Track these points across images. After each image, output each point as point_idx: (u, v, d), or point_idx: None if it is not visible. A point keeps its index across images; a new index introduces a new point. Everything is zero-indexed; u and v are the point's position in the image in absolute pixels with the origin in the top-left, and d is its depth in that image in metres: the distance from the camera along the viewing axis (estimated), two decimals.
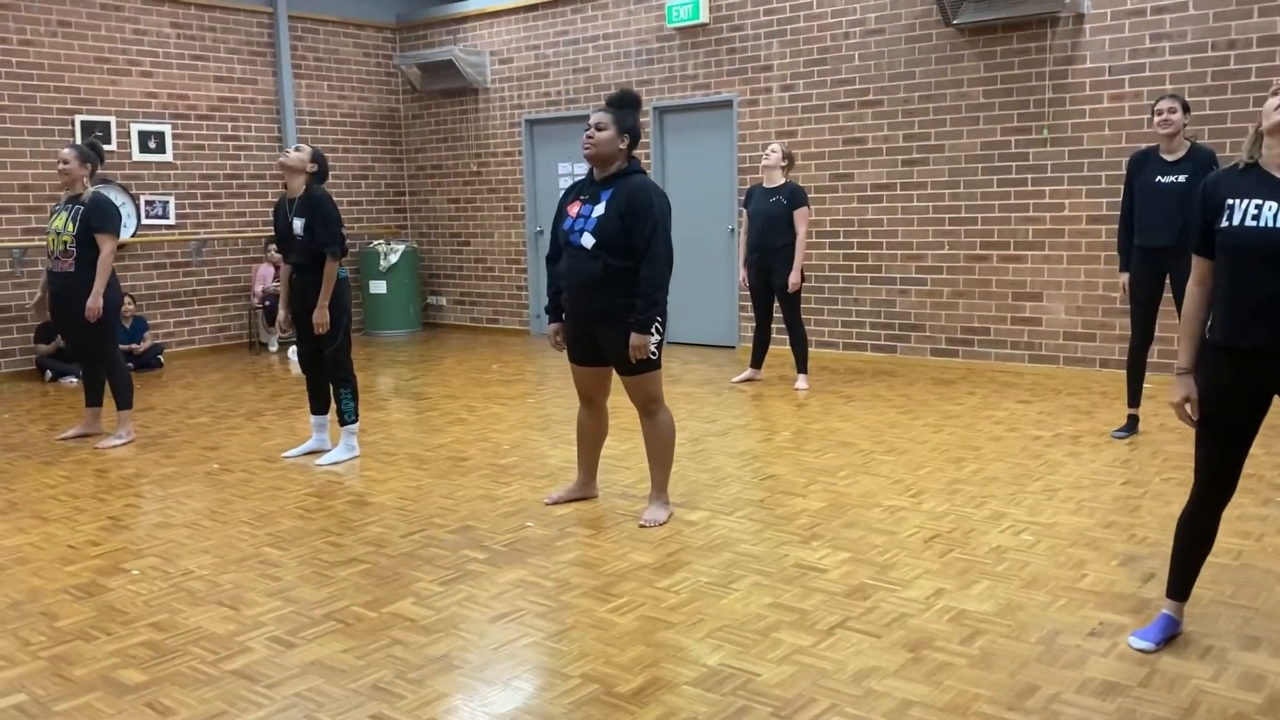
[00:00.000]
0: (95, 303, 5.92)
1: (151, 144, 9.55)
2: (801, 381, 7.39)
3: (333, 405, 5.76)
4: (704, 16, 9.04)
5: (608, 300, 4.25)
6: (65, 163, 6.02)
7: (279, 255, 5.66)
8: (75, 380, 8.42)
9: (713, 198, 9.32)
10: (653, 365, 4.34)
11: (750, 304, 7.69)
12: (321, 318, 5.42)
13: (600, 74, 9.87)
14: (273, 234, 5.63)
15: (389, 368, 8.93)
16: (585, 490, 4.76)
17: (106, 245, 5.98)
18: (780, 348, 7.89)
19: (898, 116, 8.18)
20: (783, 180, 7.33)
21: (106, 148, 9.04)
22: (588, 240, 4.25)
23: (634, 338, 4.23)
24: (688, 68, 9.29)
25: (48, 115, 8.89)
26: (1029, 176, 7.64)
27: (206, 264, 10.02)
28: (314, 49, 10.74)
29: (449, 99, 11.13)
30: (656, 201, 4.26)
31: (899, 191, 8.25)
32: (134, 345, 8.84)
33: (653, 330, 4.25)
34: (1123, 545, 3.99)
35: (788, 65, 8.70)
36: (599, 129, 4.29)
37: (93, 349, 6.14)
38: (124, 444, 6.14)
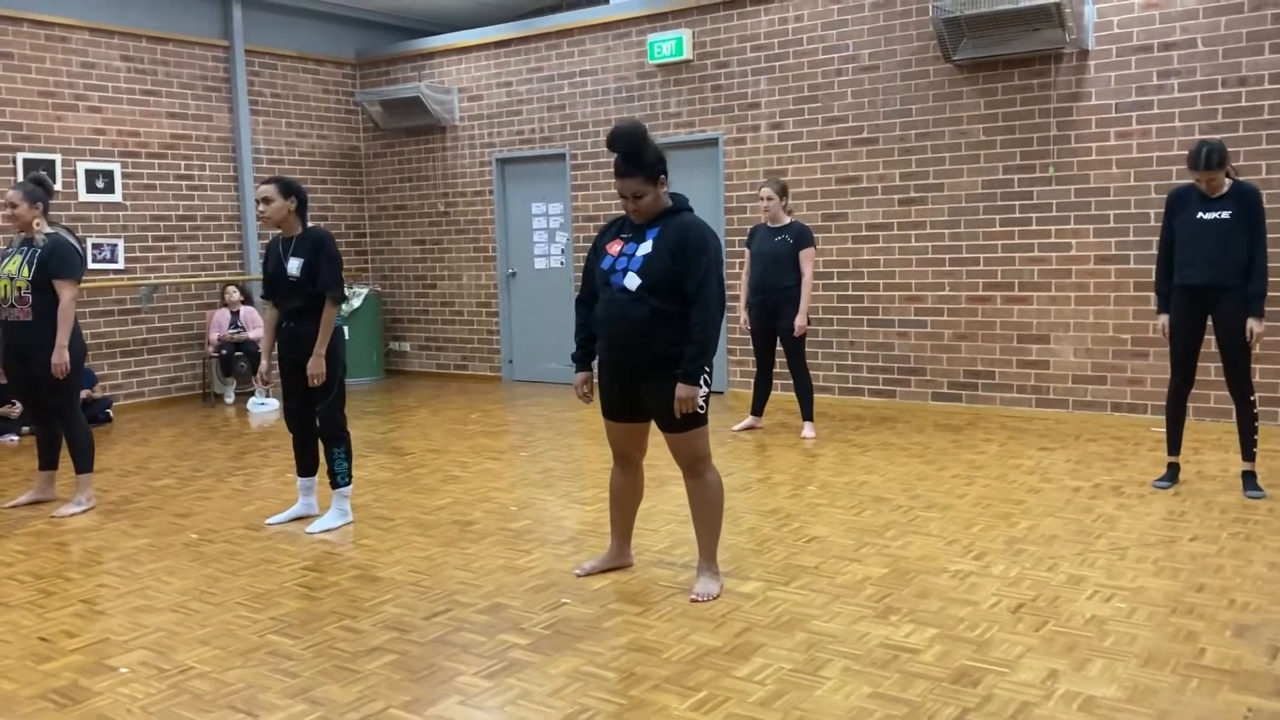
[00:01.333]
0: (60, 357, 5.35)
1: (99, 183, 8.94)
2: (808, 429, 7.04)
3: (321, 466, 5.26)
4: (688, 53, 8.76)
5: (652, 348, 3.85)
6: (13, 205, 5.47)
7: (266, 298, 5.17)
8: (15, 439, 7.77)
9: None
10: (701, 420, 3.94)
11: (751, 347, 7.32)
12: (318, 368, 4.92)
13: (577, 111, 9.52)
14: (264, 279, 5.14)
15: (359, 418, 8.38)
16: (620, 559, 4.32)
17: (67, 292, 5.43)
18: (782, 394, 7.54)
19: (894, 154, 7.94)
20: (787, 219, 7.02)
21: None
22: (632, 281, 3.85)
23: (682, 389, 3.82)
24: (670, 105, 8.98)
25: None
26: (1033, 215, 7.44)
27: (157, 310, 9.39)
28: (271, 84, 10.24)
29: (414, 137, 10.68)
30: (711, 241, 3.88)
31: (896, 231, 7.99)
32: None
33: (702, 382, 3.86)
34: (1227, 612, 3.67)
35: (776, 102, 8.43)
36: (638, 197, 3.89)
37: (51, 405, 5.56)
38: (84, 511, 5.55)
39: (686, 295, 3.83)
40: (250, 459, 6.86)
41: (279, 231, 5.13)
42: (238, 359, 9.32)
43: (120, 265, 9.11)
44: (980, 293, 7.70)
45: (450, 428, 7.85)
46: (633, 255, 3.90)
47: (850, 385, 8.29)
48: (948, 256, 7.80)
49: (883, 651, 3.40)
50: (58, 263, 5.42)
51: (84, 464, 5.61)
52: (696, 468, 4.00)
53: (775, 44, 8.39)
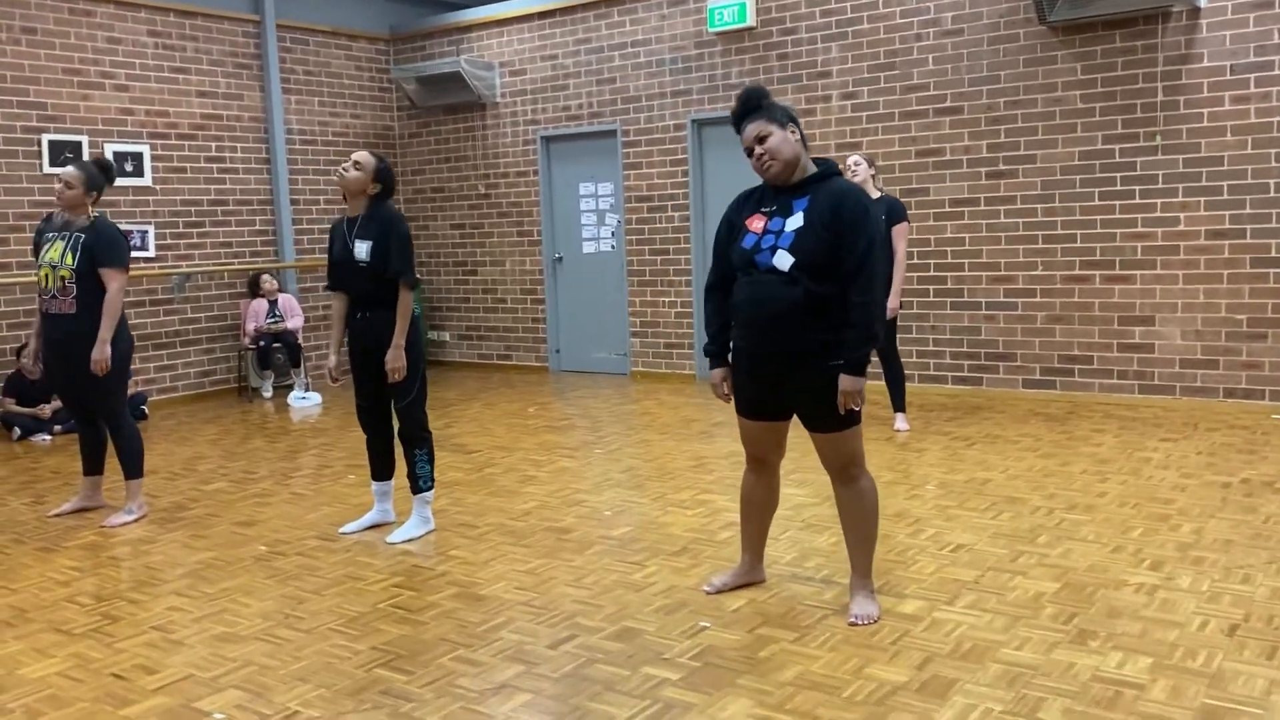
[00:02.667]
0: (102, 352, 4.87)
1: (128, 166, 8.45)
2: (901, 421, 6.55)
3: (393, 468, 4.79)
4: (751, 19, 8.24)
5: (806, 335, 3.36)
6: (69, 186, 4.98)
7: (332, 287, 4.67)
8: (47, 438, 7.31)
9: None
10: (856, 419, 3.45)
11: None
12: (397, 360, 4.44)
13: (629, 84, 9.01)
14: (329, 265, 4.65)
15: None
16: (752, 574, 3.84)
17: (115, 281, 4.94)
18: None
19: (980, 124, 7.42)
20: (876, 193, 6.51)
21: None
22: (783, 260, 3.35)
23: (845, 381, 3.34)
24: (731, 76, 8.46)
25: (10, 134, 7.76)
26: (1136, 188, 6.92)
27: (190, 301, 8.91)
28: (303, 61, 9.73)
29: (452, 115, 10.17)
30: (871, 209, 3.38)
31: (983, 207, 7.48)
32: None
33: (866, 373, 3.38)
34: None
35: (849, 71, 7.91)
36: (762, 139, 3.40)
37: (97, 407, 5.08)
38: (135, 520, 5.08)
39: (844, 273, 3.34)
40: (304, 459, 6.38)
41: (342, 213, 4.65)
42: (275, 350, 8.84)
43: (151, 253, 8.62)
44: (1077, 272, 7.19)
45: (510, 422, 7.36)
46: (781, 231, 3.40)
47: (932, 372, 7.80)
48: (1041, 233, 7.29)
49: (1101, 688, 2.92)
50: (105, 249, 4.94)
51: (134, 469, 5.14)
52: (850, 472, 3.52)
53: (848, 8, 7.86)
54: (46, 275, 4.96)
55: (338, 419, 7.76)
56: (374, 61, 10.35)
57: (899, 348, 6.62)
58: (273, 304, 8.94)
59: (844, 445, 3.48)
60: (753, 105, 3.49)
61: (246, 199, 9.30)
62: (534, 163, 9.69)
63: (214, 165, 9.06)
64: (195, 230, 8.88)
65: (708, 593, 3.77)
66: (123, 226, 8.25)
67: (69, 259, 4.92)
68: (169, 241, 8.73)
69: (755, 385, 3.54)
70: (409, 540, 4.58)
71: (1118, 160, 6.96)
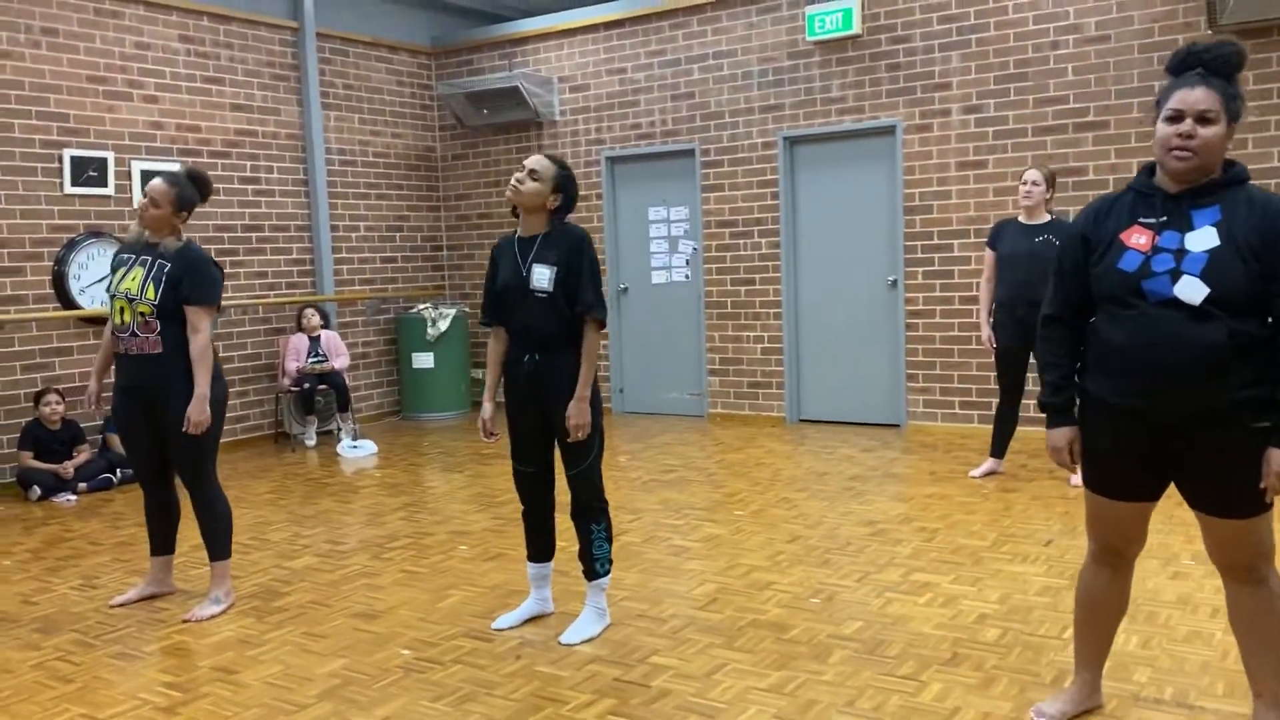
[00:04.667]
0: (202, 410, 3.94)
1: (142, 194, 7.46)
2: (1076, 476, 5.71)
3: (554, 547, 3.88)
4: (856, 27, 7.47)
5: (1225, 390, 2.51)
6: (155, 204, 4.08)
7: (489, 324, 3.78)
8: (73, 499, 6.30)
9: (866, 244, 7.68)
10: (1271, 502, 2.61)
11: (996, 371, 6.00)
12: (582, 416, 3.55)
13: (709, 100, 8.20)
14: (487, 287, 3.76)
15: (484, 465, 6.96)
16: (1093, 698, 2.97)
17: (204, 322, 4.03)
18: (1037, 430, 6.20)
19: (1129, 141, 6.68)
20: (1047, 216, 5.73)
21: (101, 191, 7.05)
22: (1192, 290, 2.51)
23: (1277, 456, 2.50)
24: (831, 89, 7.68)
25: (28, 148, 6.79)
26: None
27: (221, 337, 7.93)
28: (343, 74, 8.84)
29: (503, 135, 9.31)
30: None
31: None
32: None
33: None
34: None
35: (972, 83, 7.16)
36: (1206, 119, 2.52)
37: (184, 471, 4.13)
38: (224, 610, 4.12)
39: (1274, 309, 2.51)
40: (391, 524, 5.43)
41: (510, 231, 3.77)
42: (319, 393, 7.88)
43: None
44: None
45: (607, 474, 6.44)
46: (1180, 250, 2.56)
47: (989, 412, 6.97)
48: None
49: None
50: (194, 282, 4.02)
51: (222, 548, 4.19)
52: (1259, 569, 2.67)
53: (971, 14, 7.12)
54: (122, 308, 4.03)
55: (404, 471, 6.81)
56: (415, 76, 9.48)
57: None
58: (315, 341, 7.99)
59: (1254, 534, 2.63)
60: (1219, 68, 2.56)
61: (283, 224, 8.36)
62: (597, 185, 8.84)
63: (249, 187, 8.12)
64: (229, 259, 7.91)
65: None
66: None
67: (150, 291, 3.99)
68: None
69: (1129, 455, 2.69)
70: (587, 640, 3.66)
71: None
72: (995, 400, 7.07)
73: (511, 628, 3.82)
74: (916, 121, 7.38)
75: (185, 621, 4.01)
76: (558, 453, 3.72)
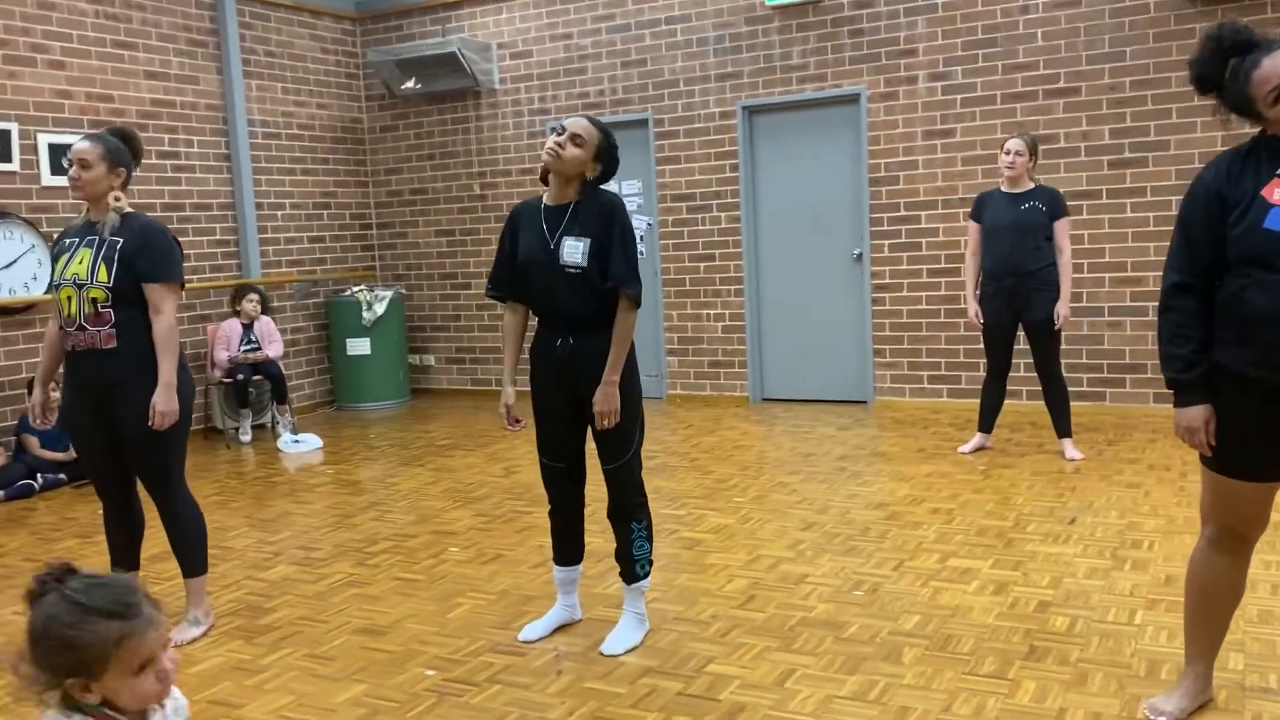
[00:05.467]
0: (168, 400, 3.47)
1: (65, 163, 6.79)
2: (1071, 448, 5.62)
3: (583, 548, 3.54)
4: None
5: None
6: (84, 165, 3.56)
7: (499, 297, 3.41)
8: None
9: (830, 217, 7.47)
10: None
11: (984, 347, 5.84)
12: (611, 403, 3.21)
13: (663, 67, 7.86)
14: (501, 255, 3.38)
15: (448, 456, 6.54)
16: (1206, 692, 2.77)
17: (168, 303, 3.55)
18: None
19: (1101, 107, 6.59)
20: (1030, 184, 5.58)
21: (5, 167, 6.39)
22: None
23: None
24: (792, 56, 7.42)
25: None
26: None
27: None
28: (264, 40, 8.22)
29: (436, 105, 8.81)
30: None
31: (1105, 200, 6.65)
32: (69, 453, 6.11)
33: None
34: None
35: (939, 49, 6.98)
36: None
37: (149, 477, 3.64)
38: (205, 632, 3.66)
39: None
40: (364, 525, 4.99)
41: (533, 196, 3.39)
42: (252, 384, 7.32)
43: None
44: None
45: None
46: None
47: (1038, 388, 6.89)
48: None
49: None
50: (152, 257, 3.54)
51: (197, 562, 3.72)
52: None
53: None
54: (69, 297, 3.51)
55: (358, 466, 6.34)
56: (340, 43, 8.90)
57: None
58: (247, 328, 7.41)
59: None
60: None
61: (205, 203, 7.74)
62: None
63: (167, 162, 7.48)
64: None
65: None
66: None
67: (101, 273, 3.49)
68: None
69: (1271, 432, 2.48)
70: (631, 649, 3.34)
71: None
72: (969, 375, 6.96)
73: (541, 638, 3.47)
74: (881, 90, 7.17)
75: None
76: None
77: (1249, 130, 2.57)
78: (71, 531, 5.14)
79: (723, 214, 7.76)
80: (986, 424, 5.89)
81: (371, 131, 9.13)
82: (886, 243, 7.27)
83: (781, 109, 7.55)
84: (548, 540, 4.14)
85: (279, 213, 8.31)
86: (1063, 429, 5.66)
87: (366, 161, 9.15)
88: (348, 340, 8.50)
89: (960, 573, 3.89)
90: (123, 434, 3.54)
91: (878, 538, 4.36)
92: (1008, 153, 5.54)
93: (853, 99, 7.28)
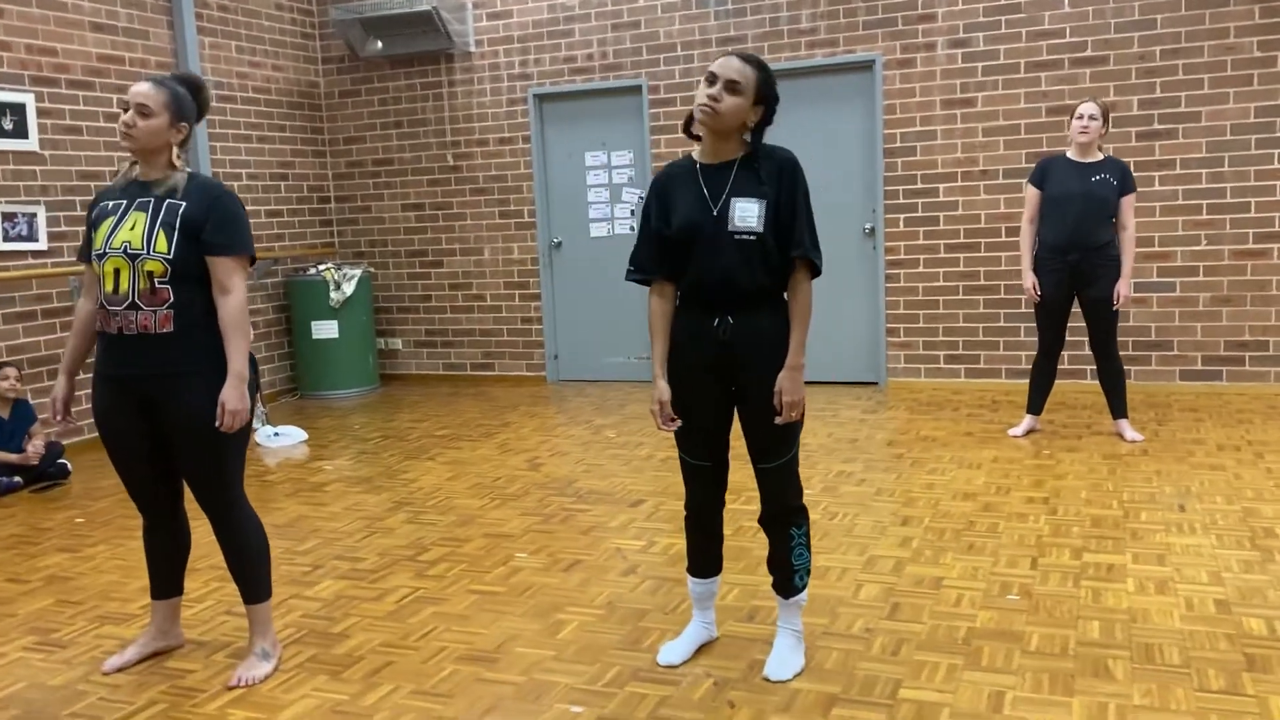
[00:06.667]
0: (240, 399, 2.91)
1: (6, 123, 6.02)
2: (1129, 429, 5.41)
3: (722, 557, 3.12)
4: None
5: None
6: (143, 111, 2.97)
7: (644, 280, 2.94)
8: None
9: (841, 190, 7.12)
10: None
11: (1036, 321, 5.56)
12: (796, 391, 2.79)
13: (658, 30, 7.40)
14: (645, 231, 2.91)
15: (416, 459, 5.99)
16: None
17: (238, 280, 2.98)
18: (1072, 384, 5.81)
19: (1130, 77, 6.40)
20: (1100, 155, 5.32)
21: None
22: None
23: None
24: (802, 20, 7.04)
25: None
26: None
27: None
28: None
29: (403, 68, 8.17)
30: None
31: (1134, 172, 6.45)
32: (24, 455, 5.42)
33: None
34: None
35: (959, 14, 6.69)
36: None
37: (206, 487, 3.06)
38: (276, 667, 3.11)
39: None
40: (402, 529, 4.45)
41: (681, 157, 2.93)
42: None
43: (42, 244, 6.21)
44: (1250, 245, 6.31)
45: (614, 454, 5.65)
46: None
47: (1066, 365, 6.69)
48: (1205, 202, 6.35)
49: None
50: (221, 224, 2.96)
51: (261, 586, 3.16)
52: None
53: None
54: (118, 270, 2.91)
55: (360, 461, 5.76)
56: (295, 1, 8.17)
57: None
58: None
59: None
60: None
61: None
62: (524, 127, 7.88)
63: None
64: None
65: None
66: (2, 208, 5.97)
67: (160, 242, 2.90)
68: (64, 229, 6.33)
69: None
70: (798, 673, 2.93)
71: None
72: (988, 354, 6.73)
73: (684, 662, 3.03)
74: (898, 56, 6.85)
75: (232, 688, 2.99)
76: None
77: None
78: (56, 545, 4.46)
79: None
80: (1037, 405, 5.64)
81: (329, 97, 8.43)
82: (902, 217, 6.98)
83: (790, 75, 7.15)
84: (622, 542, 3.76)
85: (235, 184, 7.58)
86: (1119, 410, 5.44)
87: (324, 129, 8.45)
88: (313, 323, 7.83)
89: (1106, 570, 3.58)
90: (177, 435, 2.96)
91: (989, 532, 4.04)
92: (1080, 117, 5.25)
93: (866, 66, 6.94)
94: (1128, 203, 5.23)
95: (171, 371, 2.92)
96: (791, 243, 2.77)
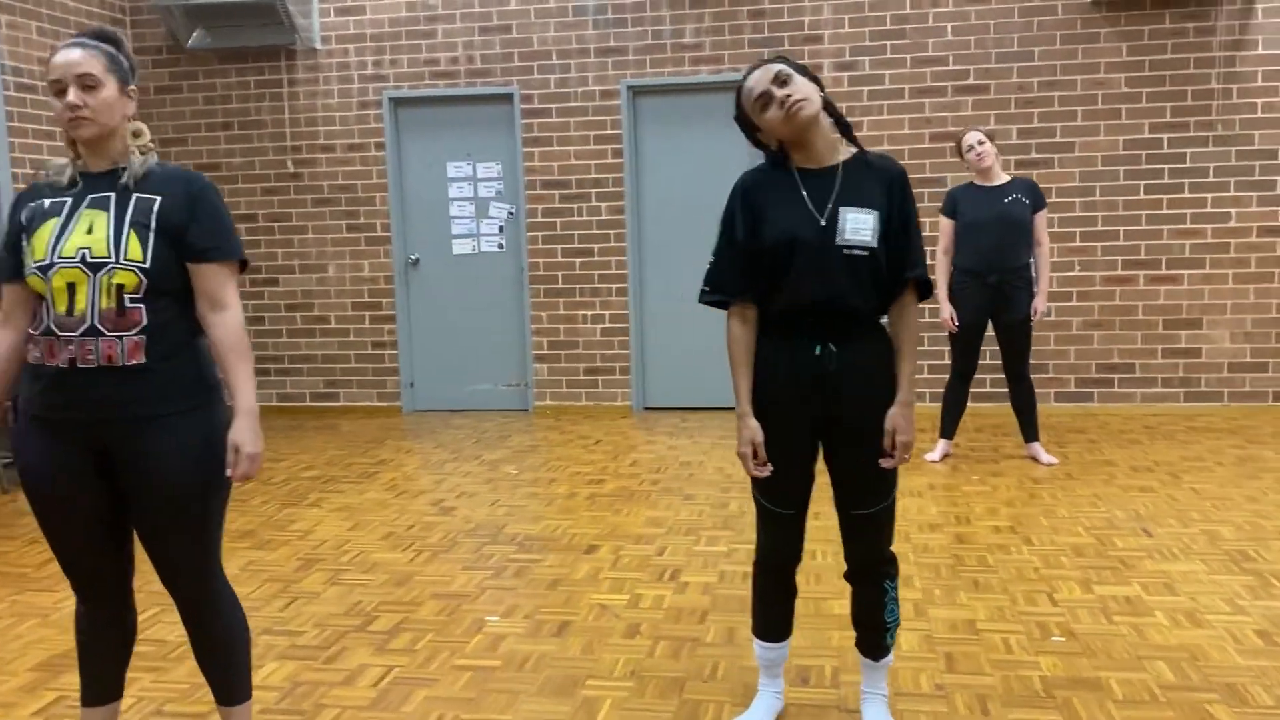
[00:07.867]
0: (256, 441, 2.31)
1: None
2: (1043, 453, 5.47)
3: (781, 621, 2.78)
4: None
5: None
6: (88, 84, 2.29)
7: (722, 302, 2.55)
8: None
9: (719, 211, 6.91)
10: None
11: (951, 347, 5.53)
12: (909, 430, 2.49)
13: (532, 35, 6.97)
14: (728, 245, 2.53)
15: (330, 502, 5.31)
16: None
17: (232, 293, 2.38)
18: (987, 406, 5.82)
19: (1009, 106, 6.56)
20: (1006, 177, 5.38)
21: None
22: None
23: None
24: (685, 34, 6.82)
25: None
26: (1185, 181, 6.46)
27: None
28: None
29: (234, 63, 7.33)
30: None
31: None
32: None
33: None
34: None
35: (846, 36, 6.67)
36: None
37: (179, 560, 2.39)
38: None
39: None
40: (331, 593, 3.81)
41: (761, 165, 2.57)
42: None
43: None
44: (1119, 272, 6.59)
45: (530, 492, 5.16)
46: None
47: (941, 390, 6.78)
48: (1078, 230, 6.60)
49: None
50: (207, 224, 2.36)
51: (242, 684, 2.53)
52: None
53: None
54: (72, 286, 2.24)
55: (228, 511, 4.97)
56: None
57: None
58: None
59: None
60: None
61: None
62: (377, 133, 7.23)
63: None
64: None
65: None
66: None
67: (133, 247, 2.26)
68: None
69: None
70: None
71: (1165, 151, 6.45)
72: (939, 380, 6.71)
73: None
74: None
75: None
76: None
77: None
78: None
79: (603, 204, 7.00)
80: (949, 430, 5.62)
81: (144, 93, 7.44)
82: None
83: (672, 91, 6.91)
84: (603, 597, 3.38)
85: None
86: (1031, 433, 5.50)
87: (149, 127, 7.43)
88: None
89: (1124, 602, 3.49)
90: (145, 496, 2.30)
91: (981, 566, 3.88)
92: (970, 149, 5.29)
93: None
94: (1041, 219, 5.31)
95: (142, 414, 2.26)
96: (907, 262, 2.47)
